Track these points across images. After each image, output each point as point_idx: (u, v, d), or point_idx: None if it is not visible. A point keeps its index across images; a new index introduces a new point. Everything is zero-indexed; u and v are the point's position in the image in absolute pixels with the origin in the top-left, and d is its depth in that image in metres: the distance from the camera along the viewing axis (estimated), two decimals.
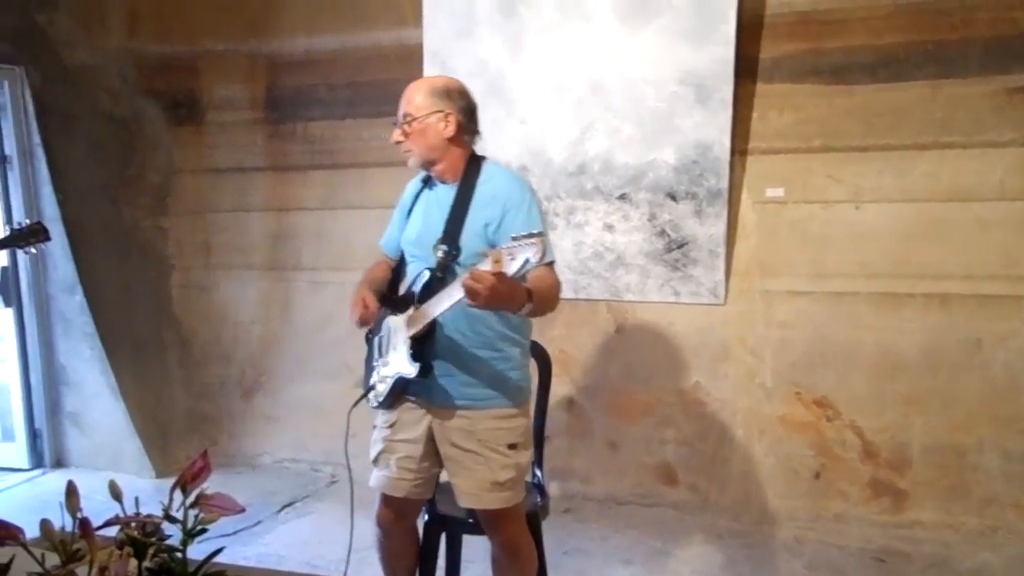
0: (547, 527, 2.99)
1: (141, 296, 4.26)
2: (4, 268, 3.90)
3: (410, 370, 2.04)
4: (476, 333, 2.08)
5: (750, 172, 3.58)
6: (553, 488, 3.61)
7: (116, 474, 3.93)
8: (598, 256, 3.69)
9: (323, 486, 3.82)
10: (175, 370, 4.32)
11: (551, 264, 2.07)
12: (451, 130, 2.07)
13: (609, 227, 3.66)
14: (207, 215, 4.38)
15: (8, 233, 2.51)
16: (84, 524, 0.90)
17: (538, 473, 2.55)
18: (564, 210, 3.71)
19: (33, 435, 4.09)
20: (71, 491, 0.96)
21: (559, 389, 3.72)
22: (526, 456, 2.19)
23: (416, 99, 2.08)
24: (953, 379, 3.25)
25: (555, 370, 3.71)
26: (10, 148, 3.86)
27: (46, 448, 4.10)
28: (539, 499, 2.44)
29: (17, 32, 3.80)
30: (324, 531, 3.30)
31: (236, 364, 4.33)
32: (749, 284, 3.55)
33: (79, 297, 3.90)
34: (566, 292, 3.70)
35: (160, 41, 4.34)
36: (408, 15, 3.95)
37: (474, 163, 2.14)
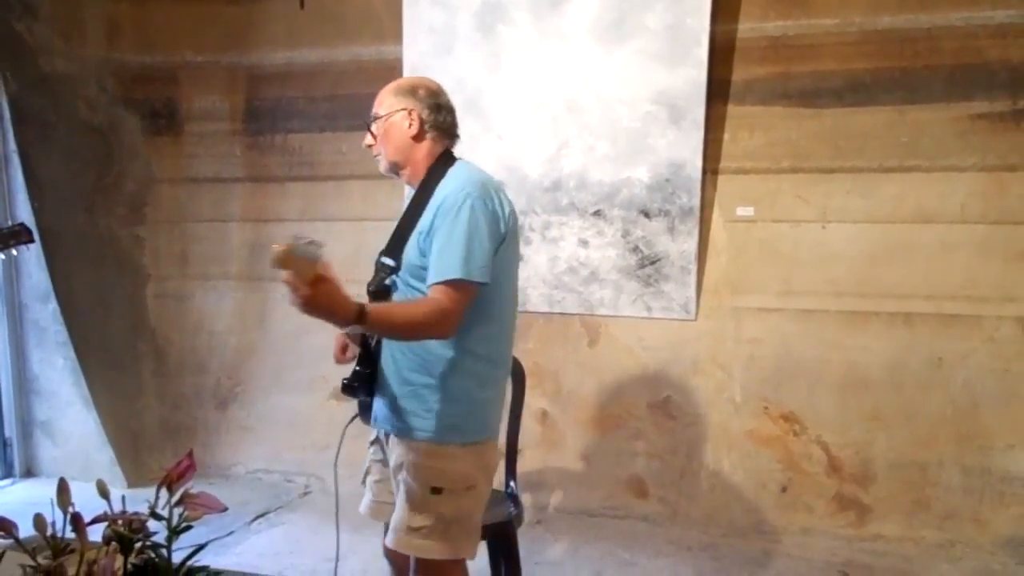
0: (519, 538, 3.02)
1: (116, 305, 4.24)
2: None
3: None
4: (414, 355, 1.89)
5: (721, 191, 3.66)
6: (525, 500, 3.64)
7: (87, 484, 3.93)
8: (572, 271, 3.75)
9: (296, 497, 3.82)
10: (149, 380, 4.31)
11: (450, 282, 1.77)
12: (415, 128, 1.93)
13: (583, 242, 3.72)
14: (184, 225, 4.38)
15: None
16: (76, 518, 0.94)
17: (511, 484, 2.59)
18: (540, 225, 3.77)
19: (3, 444, 4.06)
20: (63, 488, 0.99)
21: (532, 401, 3.76)
22: (453, 508, 1.88)
23: (384, 99, 1.98)
24: (916, 396, 3.34)
25: (529, 383, 3.76)
26: None
27: (16, 458, 4.06)
28: (513, 508, 2.48)
29: None
30: (296, 542, 3.31)
31: (211, 374, 4.33)
32: (720, 301, 3.63)
33: (53, 305, 3.89)
34: (540, 306, 3.79)
35: (140, 51, 4.35)
36: (388, 31, 4.00)
37: (441, 166, 1.95)
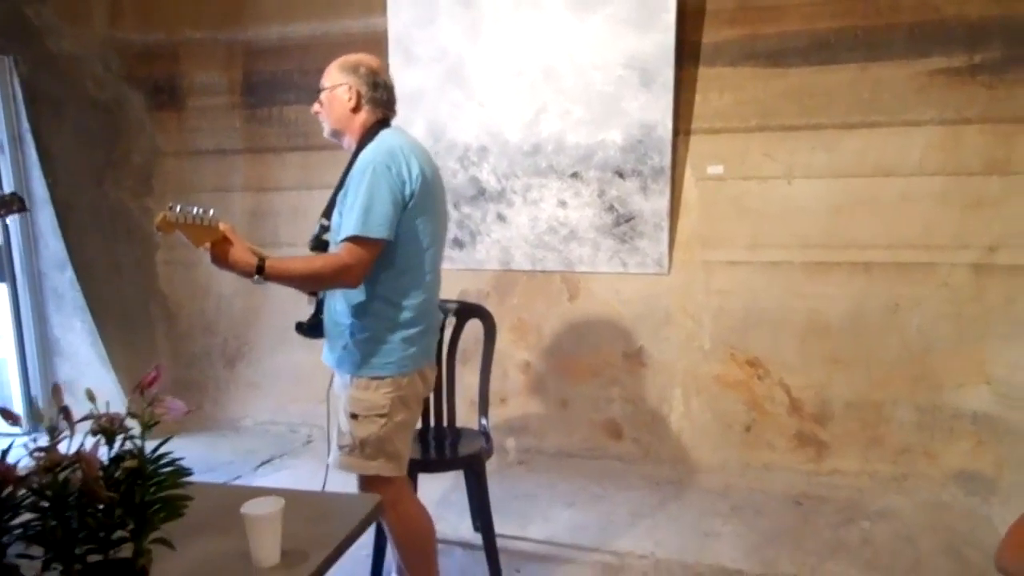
0: (502, 477, 3.32)
1: (128, 272, 4.52)
2: None
3: None
4: (344, 301, 2.17)
5: (693, 151, 3.84)
6: (509, 443, 3.92)
7: None
8: (552, 231, 3.96)
9: (299, 445, 4.12)
10: (162, 341, 4.60)
11: (350, 238, 2.01)
12: (353, 101, 2.18)
13: (562, 203, 3.93)
14: (189, 195, 4.63)
15: None
16: (66, 412, 1.18)
17: (483, 421, 2.85)
18: (521, 188, 3.98)
19: (29, 403, 4.38)
20: (56, 390, 1.23)
21: (516, 353, 4.01)
22: (367, 431, 2.14)
23: (330, 73, 2.23)
24: (873, 340, 3.54)
25: (512, 336, 4.03)
26: (3, 135, 4.10)
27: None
28: (484, 444, 2.74)
29: (5, 23, 4.03)
30: (296, 483, 3.60)
31: (219, 335, 4.62)
32: (691, 255, 3.83)
33: (69, 273, 4.17)
34: (523, 264, 4.01)
35: (141, 30, 4.57)
36: (375, 3, 4.17)
37: (370, 135, 2.17)
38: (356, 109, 2.20)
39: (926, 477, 3.42)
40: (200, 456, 3.79)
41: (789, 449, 3.60)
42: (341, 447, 2.19)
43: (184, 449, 3.11)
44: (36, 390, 4.38)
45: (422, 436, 2.83)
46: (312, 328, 2.29)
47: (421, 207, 2.13)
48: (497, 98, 3.96)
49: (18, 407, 4.36)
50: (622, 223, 3.86)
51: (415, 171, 2.10)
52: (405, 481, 2.28)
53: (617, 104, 3.78)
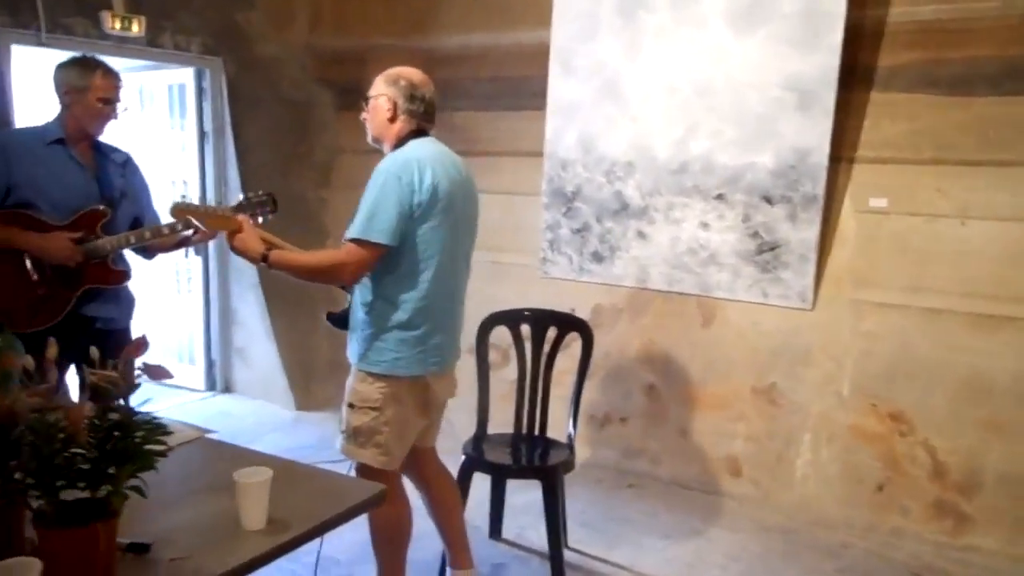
0: (607, 497, 3.28)
1: None
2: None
3: None
4: (361, 297, 2.34)
5: (855, 180, 3.58)
6: (622, 464, 3.85)
7: (266, 403, 4.66)
8: (692, 252, 3.85)
9: None
10: (322, 322, 4.98)
11: (352, 240, 2.17)
12: (390, 112, 2.32)
13: (705, 225, 3.81)
14: (361, 190, 4.95)
15: (241, 200, 2.65)
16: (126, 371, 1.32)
17: (570, 432, 2.84)
18: (664, 206, 3.90)
19: (209, 363, 4.93)
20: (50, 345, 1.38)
21: (642, 374, 3.94)
22: (358, 420, 2.29)
23: (376, 84, 2.37)
24: None
25: (640, 356, 3.96)
26: (208, 126, 4.66)
27: (218, 375, 4.92)
28: (565, 457, 2.74)
29: (219, 28, 4.57)
30: None
31: None
32: (840, 292, 3.56)
33: None
34: (659, 284, 3.93)
35: (336, 36, 4.99)
36: (545, 16, 4.27)
37: (403, 144, 2.32)
38: (392, 119, 2.33)
39: None
40: (327, 433, 4.05)
41: (924, 518, 3.24)
42: (341, 432, 2.36)
43: (322, 424, 3.45)
44: (215, 353, 4.92)
45: (510, 442, 2.87)
46: (339, 319, 2.46)
47: (427, 216, 2.21)
48: (648, 114, 3.91)
49: (199, 365, 4.92)
50: (765, 251, 3.67)
51: (426, 182, 2.19)
52: (397, 477, 2.39)
53: (771, 126, 3.60)
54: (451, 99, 4.77)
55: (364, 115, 2.42)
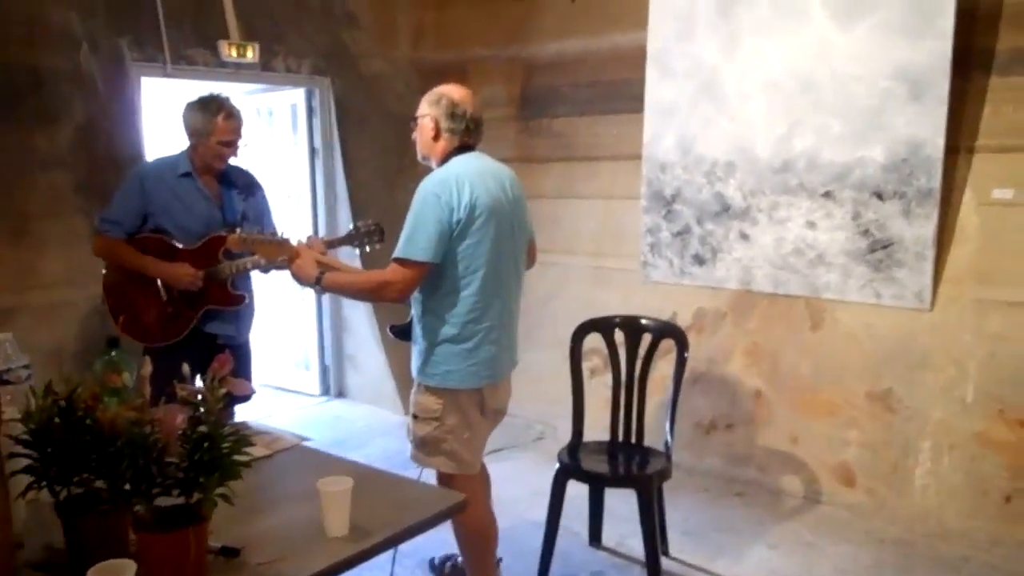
0: (713, 506, 3.25)
1: None
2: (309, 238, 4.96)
3: None
4: (416, 312, 2.41)
5: (976, 171, 3.36)
6: (728, 472, 3.75)
7: (376, 408, 4.82)
8: (799, 252, 3.71)
9: (530, 440, 4.33)
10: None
11: (395, 259, 2.24)
12: (433, 131, 2.38)
13: (811, 224, 3.66)
14: None
15: (351, 230, 2.84)
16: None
17: (668, 440, 2.80)
18: (767, 206, 3.78)
19: (323, 369, 5.15)
20: (145, 364, 1.50)
21: (748, 380, 3.83)
22: (423, 431, 2.37)
23: (422, 104, 2.45)
24: None
25: (745, 361, 3.86)
26: (318, 143, 4.88)
27: (331, 380, 5.14)
28: (661, 465, 2.70)
29: (327, 49, 4.78)
30: (515, 474, 3.80)
31: None
32: (961, 291, 3.35)
33: (357, 263, 4.82)
34: (765, 286, 3.81)
35: (438, 50, 5.11)
36: (643, 18, 4.22)
37: (447, 161, 2.38)
38: (436, 137, 2.39)
39: None
40: None
41: None
42: (410, 442, 2.44)
43: None
44: (329, 359, 5.14)
45: (607, 450, 2.86)
46: (402, 331, 2.52)
47: (466, 233, 2.25)
48: (749, 112, 3.80)
49: (314, 370, 5.14)
50: (878, 249, 3.50)
51: (464, 199, 2.23)
52: (475, 480, 2.44)
53: (880, 118, 3.43)
54: (549, 105, 4.81)
55: (414, 135, 2.49)
